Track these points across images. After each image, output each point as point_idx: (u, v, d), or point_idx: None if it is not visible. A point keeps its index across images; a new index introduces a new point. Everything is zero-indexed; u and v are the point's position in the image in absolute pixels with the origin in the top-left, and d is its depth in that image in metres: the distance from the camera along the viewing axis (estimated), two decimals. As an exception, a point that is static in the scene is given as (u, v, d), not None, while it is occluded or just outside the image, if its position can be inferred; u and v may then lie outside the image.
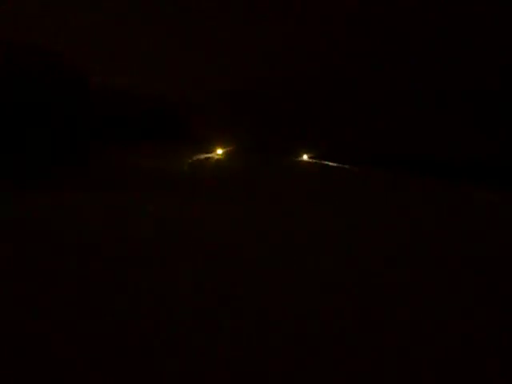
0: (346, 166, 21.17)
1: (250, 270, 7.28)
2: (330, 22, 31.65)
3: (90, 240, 8.89)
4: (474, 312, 5.94)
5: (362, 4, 33.21)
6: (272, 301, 5.92)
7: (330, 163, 22.07)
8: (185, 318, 5.20)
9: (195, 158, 26.80)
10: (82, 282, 6.61)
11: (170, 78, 30.71)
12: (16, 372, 3.96)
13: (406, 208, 16.96)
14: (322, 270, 7.76)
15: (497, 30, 32.93)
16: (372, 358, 4.42)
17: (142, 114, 30.32)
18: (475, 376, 4.24)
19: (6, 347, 4.36)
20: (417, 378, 4.13)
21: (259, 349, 4.52)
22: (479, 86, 30.78)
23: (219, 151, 29.18)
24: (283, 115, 28.08)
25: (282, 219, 13.08)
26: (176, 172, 22.72)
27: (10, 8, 28.19)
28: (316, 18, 32.13)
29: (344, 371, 4.16)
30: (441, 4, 33.90)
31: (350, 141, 24.73)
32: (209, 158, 27.96)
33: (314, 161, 22.87)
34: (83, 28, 29.84)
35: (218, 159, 27.92)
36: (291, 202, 16.69)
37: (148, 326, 4.92)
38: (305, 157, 23.59)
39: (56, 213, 12.13)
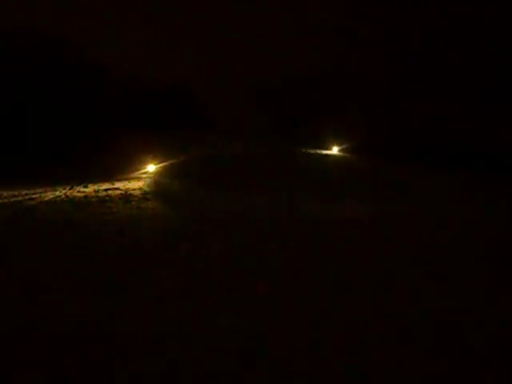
0: (378, 159, 21.62)
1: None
2: (354, 17, 32.33)
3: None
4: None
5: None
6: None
7: (361, 156, 22.42)
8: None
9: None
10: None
11: (193, 68, 30.85)
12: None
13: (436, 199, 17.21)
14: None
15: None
16: None
17: (159, 102, 30.34)
18: None
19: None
20: None
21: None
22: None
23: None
24: (312, 107, 28.48)
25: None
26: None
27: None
28: (340, 12, 32.78)
29: None
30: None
31: (381, 134, 25.27)
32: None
33: (344, 154, 23.20)
34: (103, 16, 29.72)
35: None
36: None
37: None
38: (335, 149, 23.94)
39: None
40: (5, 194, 12.43)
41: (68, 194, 12.33)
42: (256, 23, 32.13)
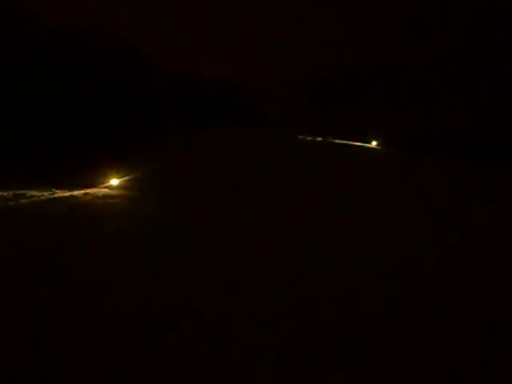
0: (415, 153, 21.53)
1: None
2: (396, 15, 31.96)
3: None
4: None
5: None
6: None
7: (397, 150, 22.41)
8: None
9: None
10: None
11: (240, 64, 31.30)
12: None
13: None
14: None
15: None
16: None
17: (210, 99, 30.61)
18: None
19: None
20: None
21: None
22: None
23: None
24: (352, 103, 28.54)
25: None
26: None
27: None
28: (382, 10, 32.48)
29: None
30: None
31: (416, 127, 25.08)
32: None
33: (381, 147, 23.29)
34: (155, 14, 30.31)
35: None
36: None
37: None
38: (374, 143, 24.16)
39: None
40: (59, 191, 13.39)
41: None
42: (306, 21, 32.25)
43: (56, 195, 12.69)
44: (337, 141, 24.03)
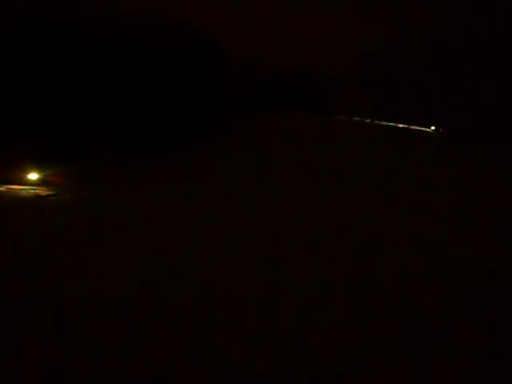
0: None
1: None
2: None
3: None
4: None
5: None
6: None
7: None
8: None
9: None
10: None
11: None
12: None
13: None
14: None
15: None
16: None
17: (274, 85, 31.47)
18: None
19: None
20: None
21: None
22: None
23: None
24: (415, 89, 28.89)
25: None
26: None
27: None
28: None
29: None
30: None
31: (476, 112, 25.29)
32: None
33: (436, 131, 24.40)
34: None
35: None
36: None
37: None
38: (432, 128, 25.27)
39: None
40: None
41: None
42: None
43: None
44: (399, 125, 25.27)
